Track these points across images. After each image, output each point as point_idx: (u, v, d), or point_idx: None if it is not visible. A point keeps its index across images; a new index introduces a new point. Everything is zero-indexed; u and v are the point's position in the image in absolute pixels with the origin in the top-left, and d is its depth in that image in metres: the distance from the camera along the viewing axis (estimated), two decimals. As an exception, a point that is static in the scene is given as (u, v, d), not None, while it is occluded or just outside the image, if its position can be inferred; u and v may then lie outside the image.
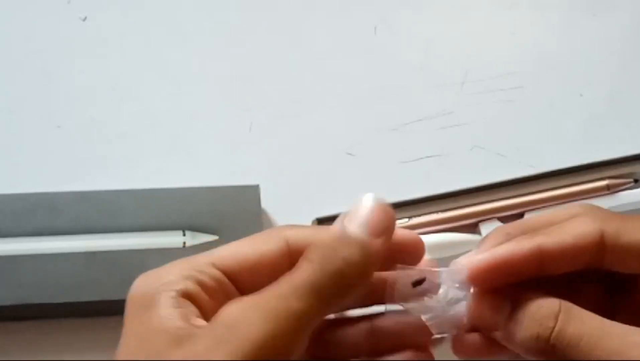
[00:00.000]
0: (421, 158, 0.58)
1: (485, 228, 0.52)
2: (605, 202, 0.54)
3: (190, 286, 0.31)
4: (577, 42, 0.65)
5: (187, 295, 0.30)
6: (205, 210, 0.51)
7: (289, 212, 0.54)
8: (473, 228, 0.53)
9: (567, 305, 0.32)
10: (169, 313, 0.30)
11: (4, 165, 0.55)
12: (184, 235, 0.50)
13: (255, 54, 0.62)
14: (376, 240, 0.31)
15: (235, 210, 0.51)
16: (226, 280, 0.32)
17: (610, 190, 0.55)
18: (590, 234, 0.33)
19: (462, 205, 0.53)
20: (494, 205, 0.54)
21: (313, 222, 0.52)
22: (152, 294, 0.31)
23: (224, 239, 0.50)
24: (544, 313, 0.32)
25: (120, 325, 0.49)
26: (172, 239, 0.50)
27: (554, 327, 0.31)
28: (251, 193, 0.52)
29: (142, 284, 0.31)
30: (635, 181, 0.55)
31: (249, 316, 0.29)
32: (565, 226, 0.34)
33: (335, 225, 0.32)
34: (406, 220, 0.52)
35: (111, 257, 0.49)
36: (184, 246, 0.50)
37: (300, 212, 0.53)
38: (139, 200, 0.51)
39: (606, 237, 0.33)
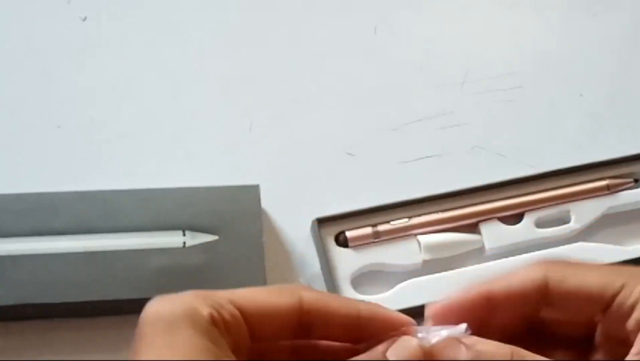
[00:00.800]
0: (421, 158, 0.58)
1: (485, 228, 0.52)
2: (605, 202, 0.54)
3: (215, 315, 0.31)
4: (577, 42, 0.65)
5: (214, 323, 0.30)
6: (205, 210, 0.51)
7: (289, 212, 0.54)
8: (473, 228, 0.53)
9: (518, 353, 0.34)
10: (202, 341, 0.30)
11: (4, 165, 0.55)
12: (184, 235, 0.50)
13: (255, 54, 0.62)
14: None
15: (235, 210, 0.51)
16: (241, 320, 0.32)
17: (610, 190, 0.55)
18: (535, 278, 0.36)
19: (462, 205, 0.53)
20: (494, 205, 0.54)
21: (313, 222, 0.52)
22: (178, 316, 0.30)
23: (224, 239, 0.50)
24: None
25: (119, 324, 0.49)
26: (172, 239, 0.50)
27: None
28: (251, 193, 0.52)
29: (160, 306, 0.31)
30: (636, 181, 0.55)
31: None
32: (513, 273, 0.36)
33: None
34: (406, 220, 0.52)
35: (111, 257, 0.49)
36: (184, 246, 0.50)
37: (300, 212, 0.53)
38: (139, 200, 0.51)
39: (550, 282, 0.35)
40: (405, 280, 0.51)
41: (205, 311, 0.30)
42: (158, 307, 0.31)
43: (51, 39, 0.61)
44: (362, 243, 0.52)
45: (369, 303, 0.35)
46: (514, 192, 0.54)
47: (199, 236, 0.50)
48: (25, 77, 0.59)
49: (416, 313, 0.49)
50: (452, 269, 0.51)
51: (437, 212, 0.53)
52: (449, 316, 0.36)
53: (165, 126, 0.58)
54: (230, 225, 0.51)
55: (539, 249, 0.52)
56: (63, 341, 0.49)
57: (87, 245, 0.49)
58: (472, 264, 0.52)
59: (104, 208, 0.51)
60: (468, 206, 0.53)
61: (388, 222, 0.52)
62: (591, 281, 0.35)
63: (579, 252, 0.52)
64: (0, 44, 0.61)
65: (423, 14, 0.66)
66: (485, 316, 0.36)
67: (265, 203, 0.53)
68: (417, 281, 0.51)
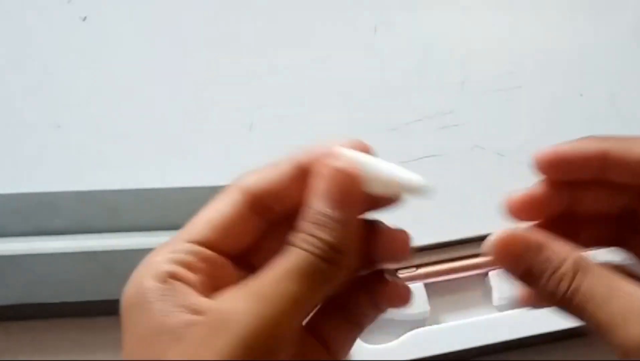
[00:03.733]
0: (421, 158, 0.58)
1: (494, 278, 0.51)
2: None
3: (174, 268, 0.31)
4: (577, 41, 0.65)
5: (173, 277, 0.30)
6: (205, 210, 0.51)
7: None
8: (483, 278, 0.51)
9: (584, 263, 0.32)
10: (160, 308, 0.30)
11: (4, 165, 0.55)
12: (184, 234, 0.50)
13: (256, 54, 0.62)
14: (349, 214, 0.31)
15: (236, 210, 0.51)
16: (202, 250, 0.32)
17: None
18: (593, 147, 0.34)
19: (472, 253, 0.51)
20: None
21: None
22: (139, 290, 0.31)
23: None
24: (562, 272, 0.32)
25: (119, 324, 0.49)
26: (172, 239, 0.50)
27: (568, 287, 0.31)
28: (251, 193, 0.52)
29: (130, 282, 0.31)
30: None
31: (241, 303, 0.29)
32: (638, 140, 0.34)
33: (309, 202, 0.31)
34: (413, 269, 0.51)
35: (111, 257, 0.49)
36: (184, 246, 0.50)
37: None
38: (139, 200, 0.51)
39: (611, 151, 0.33)
40: (412, 328, 0.49)
41: (162, 269, 0.30)
42: (126, 287, 0.32)
43: (51, 39, 0.61)
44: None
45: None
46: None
47: (199, 236, 0.50)
48: (25, 77, 0.59)
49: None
50: (459, 319, 0.50)
51: (445, 261, 0.51)
52: (555, 168, 0.35)
53: (165, 126, 0.58)
54: (231, 224, 0.51)
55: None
56: (63, 341, 0.49)
57: (87, 245, 0.49)
58: (481, 314, 0.50)
59: (104, 208, 0.51)
60: (478, 256, 0.51)
61: (395, 270, 0.50)
62: None
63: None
64: (1, 44, 0.61)
65: (423, 14, 0.66)
66: (597, 173, 0.34)
67: (266, 203, 0.53)
68: (424, 331, 0.49)
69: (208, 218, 0.32)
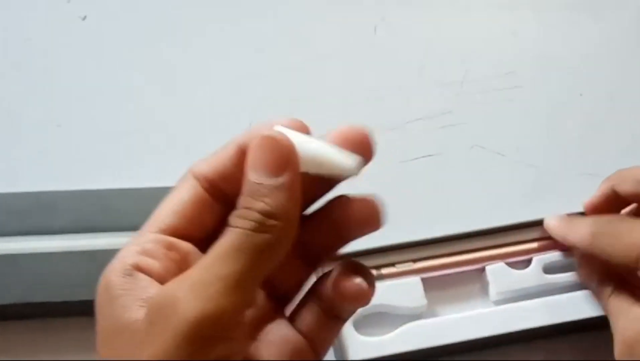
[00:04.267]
0: (421, 157, 0.58)
1: (492, 273, 0.51)
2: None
3: (137, 259, 0.31)
4: (577, 42, 0.65)
5: (137, 268, 0.31)
6: (205, 210, 0.51)
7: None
8: (480, 272, 0.51)
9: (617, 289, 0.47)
10: (122, 303, 0.30)
11: (4, 164, 0.55)
12: (184, 234, 0.50)
13: (256, 54, 0.62)
14: (282, 178, 0.31)
15: (235, 209, 0.51)
16: (166, 237, 0.32)
17: None
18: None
19: (469, 248, 0.51)
20: (502, 251, 0.51)
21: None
22: (107, 285, 0.31)
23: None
24: (602, 290, 0.47)
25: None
26: (172, 238, 0.50)
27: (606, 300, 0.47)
28: (251, 192, 0.52)
29: (100, 278, 0.31)
30: None
31: (180, 293, 0.29)
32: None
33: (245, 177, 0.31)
34: (411, 263, 0.51)
35: (111, 257, 0.48)
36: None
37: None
38: (139, 200, 0.51)
39: None
40: (409, 322, 0.49)
41: (128, 261, 0.31)
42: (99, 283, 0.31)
43: (51, 39, 0.61)
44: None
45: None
46: (523, 236, 0.52)
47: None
48: (25, 77, 0.59)
49: (419, 356, 0.48)
50: (456, 313, 0.50)
51: (442, 255, 0.51)
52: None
53: (166, 126, 0.58)
54: (230, 224, 0.51)
55: (547, 295, 0.50)
56: (63, 341, 0.49)
57: (87, 244, 0.49)
58: (478, 308, 0.50)
59: (103, 207, 0.51)
60: (475, 251, 0.51)
61: (393, 264, 0.50)
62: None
63: (587, 299, 0.50)
64: (1, 44, 0.61)
65: (423, 14, 0.66)
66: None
67: (265, 203, 0.53)
68: (421, 323, 0.49)
69: (168, 206, 0.33)
